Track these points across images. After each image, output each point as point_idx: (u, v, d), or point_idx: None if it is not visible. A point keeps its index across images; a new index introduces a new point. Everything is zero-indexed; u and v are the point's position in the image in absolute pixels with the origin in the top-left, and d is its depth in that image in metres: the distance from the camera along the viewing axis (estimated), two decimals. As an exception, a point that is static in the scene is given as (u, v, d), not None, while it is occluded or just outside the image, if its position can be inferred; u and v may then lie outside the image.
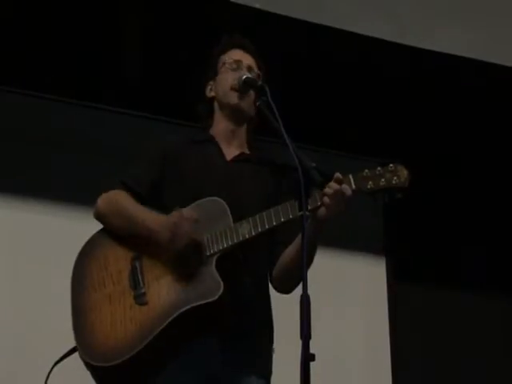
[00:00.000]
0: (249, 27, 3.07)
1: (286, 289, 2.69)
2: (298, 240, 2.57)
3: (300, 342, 2.15)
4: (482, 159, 5.11)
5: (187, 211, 2.56)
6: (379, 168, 2.53)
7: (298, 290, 2.28)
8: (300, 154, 2.41)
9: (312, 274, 2.37)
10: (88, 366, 2.51)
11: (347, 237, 4.17)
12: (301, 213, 2.35)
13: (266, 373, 2.65)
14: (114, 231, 2.66)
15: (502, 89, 4.79)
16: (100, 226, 2.72)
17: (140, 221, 2.60)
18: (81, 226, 3.92)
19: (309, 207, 2.47)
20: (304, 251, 2.26)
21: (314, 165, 2.41)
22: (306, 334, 2.14)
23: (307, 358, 2.13)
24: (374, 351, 4.84)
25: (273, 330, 2.70)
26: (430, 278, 5.06)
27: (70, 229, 4.10)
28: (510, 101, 4.89)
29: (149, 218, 2.60)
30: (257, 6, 4.11)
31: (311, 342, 2.14)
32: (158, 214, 2.60)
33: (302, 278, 2.21)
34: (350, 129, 4.83)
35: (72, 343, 2.56)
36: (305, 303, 2.17)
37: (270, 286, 2.74)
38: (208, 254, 2.54)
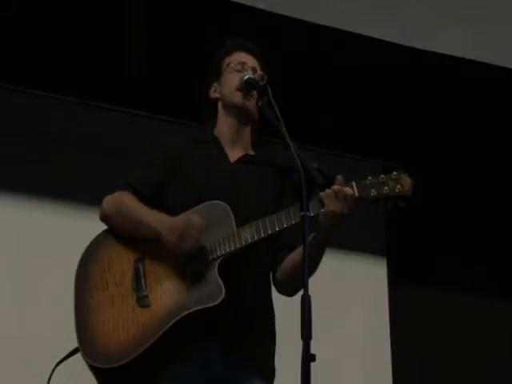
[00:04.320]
0: (251, 27, 3.07)
1: (289, 292, 2.65)
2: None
3: (301, 343, 2.15)
4: (484, 161, 5.11)
5: (196, 217, 2.53)
6: (382, 176, 2.50)
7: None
8: (302, 154, 2.40)
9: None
10: (90, 367, 2.51)
11: (348, 237, 4.16)
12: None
13: (268, 374, 2.63)
14: (120, 233, 2.65)
15: (503, 91, 4.79)
16: (101, 226, 2.70)
17: (146, 222, 2.59)
18: (81, 226, 3.96)
19: (311, 214, 2.44)
20: (304, 252, 2.25)
21: (315, 166, 2.41)
22: (306, 334, 2.14)
23: (308, 358, 2.13)
24: (374, 352, 4.83)
25: (275, 332, 2.68)
26: (431, 278, 5.06)
27: (69, 228, 4.11)
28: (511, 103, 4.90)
29: (155, 219, 2.58)
30: (260, 6, 4.12)
31: (312, 343, 2.15)
32: (165, 216, 2.58)
33: (303, 279, 2.20)
34: (352, 129, 4.83)
35: (73, 343, 2.55)
36: (306, 304, 2.17)
37: (272, 288, 2.72)
38: (211, 258, 2.53)
